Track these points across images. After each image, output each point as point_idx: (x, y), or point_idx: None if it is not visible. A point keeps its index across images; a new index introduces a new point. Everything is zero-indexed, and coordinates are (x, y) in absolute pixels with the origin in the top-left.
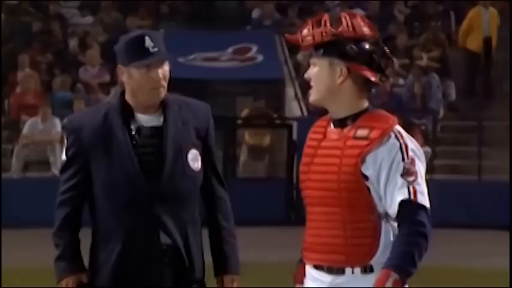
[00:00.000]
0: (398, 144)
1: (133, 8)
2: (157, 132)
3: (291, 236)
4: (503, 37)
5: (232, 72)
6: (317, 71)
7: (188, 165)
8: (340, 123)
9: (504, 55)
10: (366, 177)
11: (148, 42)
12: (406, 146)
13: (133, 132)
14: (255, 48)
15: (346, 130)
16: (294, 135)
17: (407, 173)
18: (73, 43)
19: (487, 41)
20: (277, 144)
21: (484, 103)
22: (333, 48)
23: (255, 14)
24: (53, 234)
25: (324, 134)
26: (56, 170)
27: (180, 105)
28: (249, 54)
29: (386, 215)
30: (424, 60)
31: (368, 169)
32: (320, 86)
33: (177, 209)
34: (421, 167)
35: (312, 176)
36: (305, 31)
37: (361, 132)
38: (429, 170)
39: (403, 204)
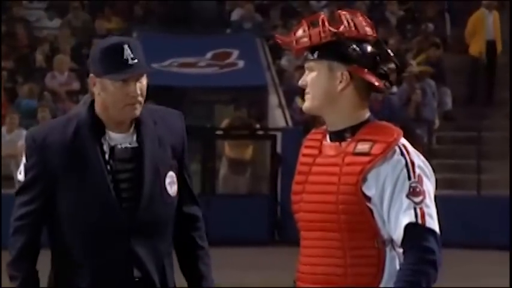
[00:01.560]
0: (403, 160)
1: (104, 9)
2: (133, 154)
3: (274, 257)
4: (504, 41)
5: (211, 79)
6: (315, 76)
7: (166, 191)
8: (338, 136)
9: (505, 59)
10: (368, 198)
11: (127, 52)
12: (413, 163)
13: (106, 154)
14: (235, 53)
15: (344, 144)
16: (278, 148)
17: (414, 192)
18: (39, 48)
19: (491, 45)
20: (260, 157)
21: (483, 112)
22: (332, 50)
23: (235, 16)
24: (8, 264)
25: (319, 149)
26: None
27: (154, 121)
28: (229, 60)
29: (391, 240)
30: (416, 67)
31: (370, 189)
32: (317, 92)
33: (154, 240)
34: (429, 186)
35: (307, 197)
36: (300, 32)
37: (362, 147)
38: None
39: (409, 228)
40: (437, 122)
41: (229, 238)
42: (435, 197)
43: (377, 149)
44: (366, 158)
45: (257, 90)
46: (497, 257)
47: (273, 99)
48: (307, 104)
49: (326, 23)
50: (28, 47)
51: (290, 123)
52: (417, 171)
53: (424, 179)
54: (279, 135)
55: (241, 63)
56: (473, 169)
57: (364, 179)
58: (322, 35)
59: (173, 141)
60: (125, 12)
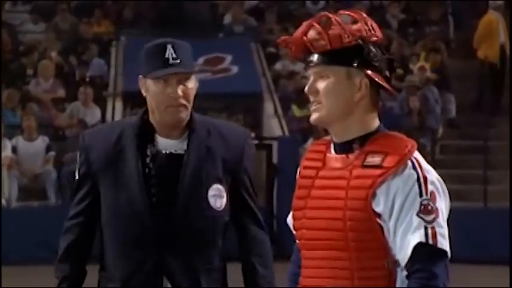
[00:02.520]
0: (415, 175)
1: (91, 13)
2: (177, 161)
3: None
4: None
5: (203, 85)
6: (330, 83)
7: (208, 203)
8: (344, 147)
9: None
10: (378, 215)
11: (169, 51)
12: (425, 178)
13: (148, 159)
14: (228, 58)
15: (352, 156)
16: (274, 158)
17: (425, 210)
18: (23, 53)
19: (502, 50)
20: (255, 168)
21: (489, 119)
22: (352, 54)
23: (228, 19)
24: (55, 265)
25: (323, 161)
26: (4, 200)
27: (209, 131)
28: (222, 65)
29: None
30: (417, 74)
31: (379, 204)
32: (333, 102)
33: (189, 252)
34: (442, 205)
35: (310, 213)
36: (312, 33)
37: (373, 160)
38: None
39: (417, 248)
40: (441, 131)
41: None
42: None
43: (389, 161)
44: (377, 171)
45: (251, 97)
46: (504, 273)
47: (268, 107)
48: (318, 114)
49: (345, 25)
50: (11, 52)
51: (286, 131)
52: (430, 187)
53: (437, 197)
54: (274, 144)
55: (234, 69)
56: (479, 180)
57: (374, 194)
58: (346, 38)
59: (226, 154)
60: (113, 15)
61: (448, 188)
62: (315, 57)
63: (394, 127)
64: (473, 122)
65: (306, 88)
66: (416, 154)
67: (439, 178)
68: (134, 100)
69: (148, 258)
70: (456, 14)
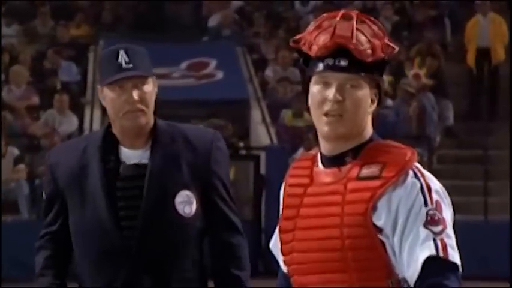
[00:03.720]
0: (418, 184)
1: (68, 15)
2: (140, 172)
3: None
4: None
5: (186, 91)
6: (362, 94)
7: (176, 210)
8: (335, 161)
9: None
10: (379, 230)
11: (122, 57)
12: (429, 187)
13: (111, 172)
14: (213, 62)
15: (344, 169)
16: (262, 169)
17: (433, 221)
18: None
19: (483, 53)
20: (242, 179)
21: (489, 127)
22: (380, 65)
23: (213, 21)
24: (35, 282)
25: (310, 177)
26: None
27: (172, 137)
28: (207, 70)
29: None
30: (412, 81)
31: (380, 218)
32: (360, 114)
33: (162, 265)
34: (448, 214)
35: (301, 234)
36: (362, 38)
37: (369, 171)
38: None
39: (428, 262)
40: (438, 139)
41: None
42: None
43: (389, 171)
44: (376, 182)
45: (238, 104)
46: None
47: (255, 115)
48: (343, 128)
49: (384, 34)
50: None
51: (275, 141)
52: (434, 196)
53: (443, 206)
54: (262, 154)
55: (219, 74)
56: (479, 191)
57: (374, 207)
58: (387, 49)
59: (194, 160)
60: (91, 18)
61: None
62: (343, 62)
63: (389, 135)
64: (472, 130)
65: (331, 95)
66: (416, 162)
67: (442, 187)
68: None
69: (120, 273)
70: (453, 16)
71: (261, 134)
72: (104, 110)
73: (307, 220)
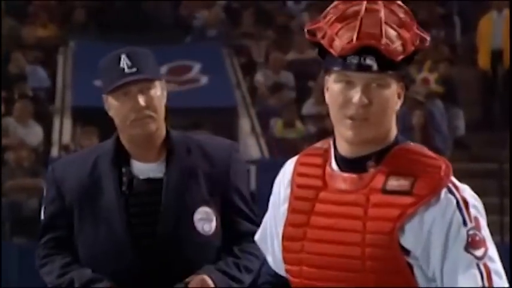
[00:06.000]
0: (454, 200)
1: (34, 13)
2: (156, 187)
3: None
4: None
5: (167, 98)
6: (391, 94)
7: (195, 228)
8: (355, 164)
9: None
10: (407, 252)
11: (124, 61)
12: (466, 202)
13: (123, 186)
14: (197, 66)
15: (366, 177)
16: (252, 183)
17: (473, 243)
18: None
19: (497, 55)
20: None
21: (504, 138)
22: (406, 61)
23: (197, 20)
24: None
25: (323, 180)
26: None
27: (188, 149)
28: (189, 75)
29: None
30: (420, 87)
31: (409, 240)
32: (389, 115)
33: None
34: (487, 231)
35: (312, 247)
36: (392, 33)
37: (398, 184)
38: None
39: None
40: (447, 152)
41: None
42: None
43: (422, 187)
44: (406, 199)
45: (224, 112)
46: None
47: (244, 124)
48: (370, 132)
49: (414, 25)
50: None
51: (266, 153)
52: (472, 212)
53: (481, 223)
54: (252, 168)
55: (204, 79)
56: (494, 209)
57: (402, 227)
58: (418, 43)
59: (211, 173)
60: (60, 17)
61: None
62: (370, 61)
63: None
64: (484, 140)
65: (356, 98)
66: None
67: (475, 195)
68: (86, 116)
69: None
70: (463, 14)
71: (251, 146)
72: (74, 120)
73: (321, 232)
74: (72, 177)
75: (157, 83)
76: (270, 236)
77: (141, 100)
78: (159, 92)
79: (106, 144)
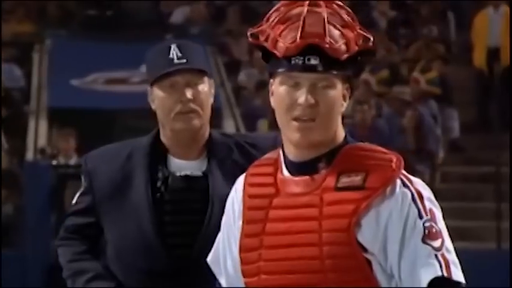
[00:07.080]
0: (409, 193)
1: (8, 9)
2: (193, 185)
3: None
4: None
5: (147, 99)
6: (337, 95)
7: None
8: (306, 167)
9: None
10: (364, 248)
11: (174, 51)
12: (421, 195)
13: (159, 182)
14: None
15: (318, 178)
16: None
17: (430, 235)
18: None
19: (493, 53)
20: None
21: (500, 140)
22: (351, 61)
23: (178, 17)
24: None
25: (275, 187)
26: None
27: (230, 147)
28: None
29: None
30: (409, 86)
31: (365, 234)
32: (334, 117)
33: None
34: (442, 222)
35: (269, 254)
36: (335, 33)
37: (350, 180)
38: None
39: (435, 285)
40: (441, 154)
41: None
42: None
43: (374, 180)
44: (359, 194)
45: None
46: None
47: (228, 125)
48: (318, 134)
49: (356, 24)
50: None
51: None
52: (427, 204)
53: (436, 214)
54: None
55: None
56: (490, 214)
57: (358, 222)
58: (361, 43)
59: None
60: (36, 13)
61: (452, 225)
62: (315, 61)
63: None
64: (480, 143)
65: (303, 99)
66: None
67: (427, 187)
68: (63, 118)
69: None
70: (458, 10)
71: None
72: (51, 122)
73: (277, 237)
74: (104, 170)
75: (205, 79)
76: (222, 256)
77: (188, 93)
78: (206, 88)
79: (144, 138)
